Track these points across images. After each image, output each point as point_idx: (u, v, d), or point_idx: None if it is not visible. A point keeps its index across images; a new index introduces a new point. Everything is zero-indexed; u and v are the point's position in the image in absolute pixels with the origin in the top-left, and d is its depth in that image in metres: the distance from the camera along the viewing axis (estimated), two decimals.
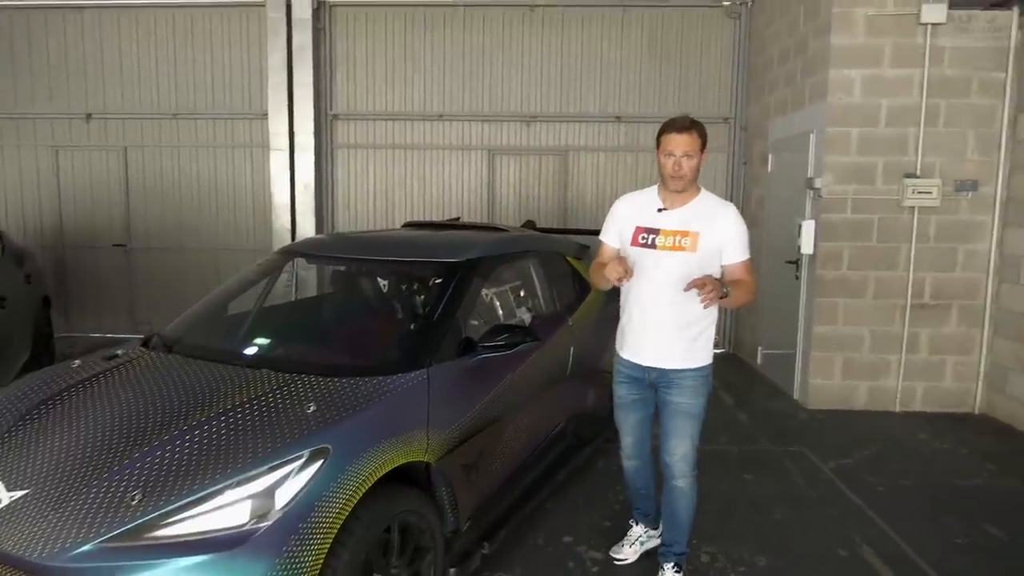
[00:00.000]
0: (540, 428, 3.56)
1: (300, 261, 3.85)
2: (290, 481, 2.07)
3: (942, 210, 5.28)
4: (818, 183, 5.35)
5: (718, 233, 2.70)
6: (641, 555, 3.21)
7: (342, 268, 4.07)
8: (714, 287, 2.50)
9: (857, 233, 5.35)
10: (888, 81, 5.21)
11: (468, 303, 3.15)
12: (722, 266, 2.75)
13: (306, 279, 4.19)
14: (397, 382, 2.58)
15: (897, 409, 5.50)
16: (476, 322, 3.38)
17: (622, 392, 2.99)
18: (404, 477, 2.46)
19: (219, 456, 2.13)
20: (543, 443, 3.61)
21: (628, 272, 2.67)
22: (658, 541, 3.17)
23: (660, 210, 2.78)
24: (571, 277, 4.50)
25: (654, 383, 2.87)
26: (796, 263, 5.72)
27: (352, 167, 7.67)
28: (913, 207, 5.27)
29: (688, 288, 2.56)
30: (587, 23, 7.36)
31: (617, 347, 3.01)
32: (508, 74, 7.46)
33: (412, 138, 7.61)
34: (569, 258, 4.57)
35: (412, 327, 3.25)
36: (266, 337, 3.35)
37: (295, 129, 7.34)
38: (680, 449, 2.84)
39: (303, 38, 7.19)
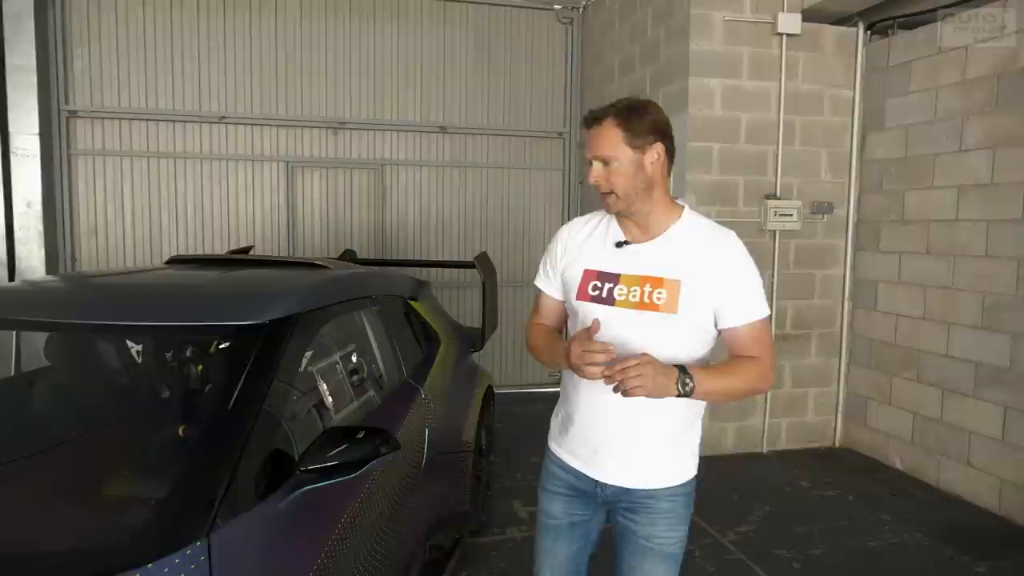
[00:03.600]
0: (393, 562, 2.40)
1: None
2: None
3: (802, 234, 4.94)
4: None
5: (711, 279, 1.68)
6: None
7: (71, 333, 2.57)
8: (642, 366, 1.51)
9: None
10: (747, 93, 4.76)
11: (278, 396, 1.92)
12: (721, 331, 1.73)
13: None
14: None
15: (764, 450, 5.05)
16: (292, 403, 2.16)
17: (556, 509, 1.90)
18: None
19: None
20: None
21: (614, 370, 1.53)
22: None
23: (620, 244, 1.76)
24: (414, 326, 3.39)
25: (610, 502, 1.84)
26: None
27: (100, 181, 5.84)
28: (775, 231, 4.87)
29: (606, 380, 1.55)
30: (404, 15, 6.28)
31: (552, 440, 1.93)
32: (310, 71, 6.13)
33: (184, 145, 5.97)
34: (409, 300, 3.47)
35: (175, 454, 1.90)
36: None
37: (10, 128, 5.39)
38: None
39: (21, 5, 5.30)
